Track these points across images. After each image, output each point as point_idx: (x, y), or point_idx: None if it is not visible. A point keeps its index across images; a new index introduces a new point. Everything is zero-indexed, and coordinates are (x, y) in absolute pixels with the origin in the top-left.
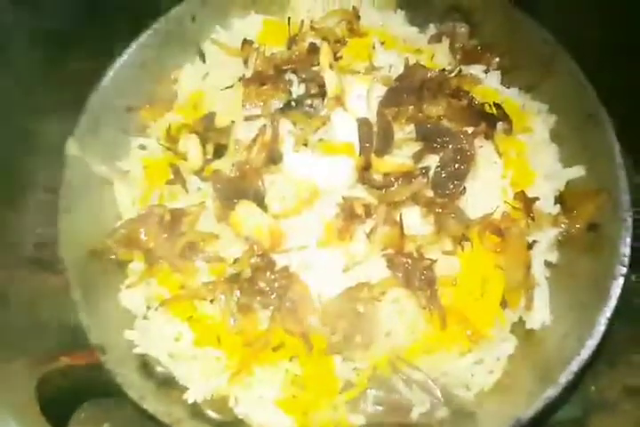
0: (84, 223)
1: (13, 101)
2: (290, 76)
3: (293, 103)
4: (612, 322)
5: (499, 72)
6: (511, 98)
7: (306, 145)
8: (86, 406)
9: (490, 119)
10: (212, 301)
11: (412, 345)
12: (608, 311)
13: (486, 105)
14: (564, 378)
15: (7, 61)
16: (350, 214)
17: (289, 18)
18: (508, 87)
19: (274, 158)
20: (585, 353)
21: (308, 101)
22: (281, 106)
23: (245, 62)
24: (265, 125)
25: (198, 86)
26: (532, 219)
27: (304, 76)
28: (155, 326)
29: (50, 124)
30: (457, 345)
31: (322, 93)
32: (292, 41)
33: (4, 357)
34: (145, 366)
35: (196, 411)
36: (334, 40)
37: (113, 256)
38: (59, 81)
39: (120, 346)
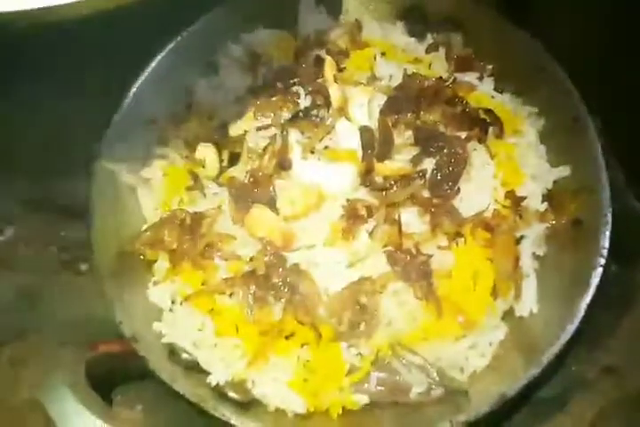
0: (113, 228)
1: (43, 110)
2: (297, 88)
3: (301, 114)
4: (591, 309)
5: (492, 78)
6: (503, 103)
7: (312, 152)
8: (121, 389)
9: (482, 124)
10: (230, 295)
11: (411, 332)
12: (587, 299)
13: (480, 110)
14: (546, 359)
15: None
16: (354, 215)
17: (295, 31)
18: (501, 92)
19: (284, 165)
20: (565, 337)
21: (314, 112)
22: (289, 117)
23: (255, 75)
24: (275, 135)
25: (212, 98)
26: (520, 216)
27: (310, 88)
28: (180, 318)
29: (74, 133)
30: (452, 332)
31: (327, 104)
32: (298, 54)
33: (50, 346)
34: (172, 353)
35: (218, 392)
36: (338, 52)
37: (141, 256)
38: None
39: (150, 336)
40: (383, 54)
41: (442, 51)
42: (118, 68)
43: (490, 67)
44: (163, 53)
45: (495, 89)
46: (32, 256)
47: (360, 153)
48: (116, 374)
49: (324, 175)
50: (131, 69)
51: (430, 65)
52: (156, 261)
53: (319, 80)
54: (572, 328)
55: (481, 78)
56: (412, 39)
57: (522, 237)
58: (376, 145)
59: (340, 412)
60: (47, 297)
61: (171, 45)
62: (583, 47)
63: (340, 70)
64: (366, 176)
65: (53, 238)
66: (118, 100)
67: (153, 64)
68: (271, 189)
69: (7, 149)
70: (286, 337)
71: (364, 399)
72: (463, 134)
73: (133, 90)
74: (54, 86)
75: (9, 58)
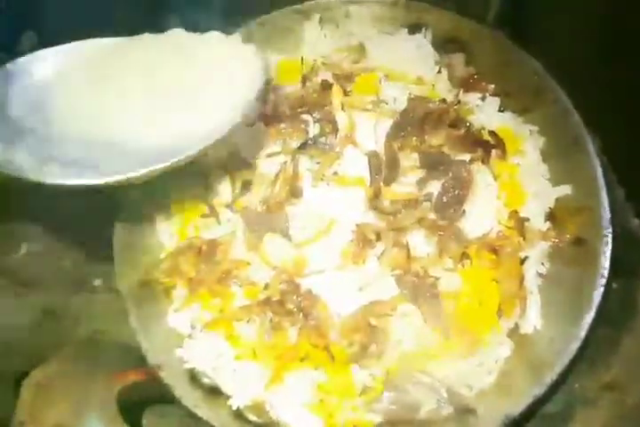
0: (134, 258)
1: None
2: (306, 116)
3: (310, 142)
4: (593, 326)
5: (494, 98)
6: (505, 123)
7: (322, 179)
8: (147, 413)
9: (486, 146)
10: (247, 321)
11: (420, 352)
12: (589, 317)
13: (483, 132)
14: (550, 378)
15: None
16: (363, 240)
17: (302, 57)
18: (503, 112)
19: (295, 193)
20: (568, 355)
21: (323, 140)
22: (299, 144)
23: (265, 101)
24: (286, 162)
25: None
26: (524, 237)
27: (318, 116)
28: (200, 344)
29: None
30: (459, 351)
31: (334, 131)
32: (305, 78)
33: (78, 373)
34: (194, 378)
35: (238, 415)
36: (343, 76)
37: (161, 285)
38: None
39: (172, 363)
40: (387, 76)
41: (444, 71)
42: None
43: (492, 86)
44: None
45: (497, 108)
46: (46, 273)
47: (368, 178)
48: (143, 399)
49: (333, 201)
50: None
51: (434, 85)
52: (174, 288)
53: (326, 107)
54: (574, 347)
55: (484, 98)
56: (416, 59)
57: (525, 257)
58: (383, 169)
59: None
60: (64, 318)
61: None
62: (582, 66)
63: (346, 94)
64: (374, 200)
65: (66, 254)
66: None
67: None
68: (283, 216)
69: None
70: (301, 360)
71: (376, 418)
72: (467, 156)
73: None
74: None
75: None
